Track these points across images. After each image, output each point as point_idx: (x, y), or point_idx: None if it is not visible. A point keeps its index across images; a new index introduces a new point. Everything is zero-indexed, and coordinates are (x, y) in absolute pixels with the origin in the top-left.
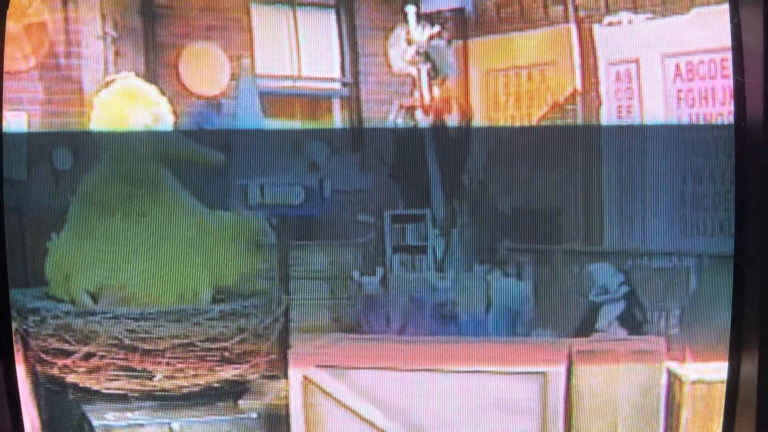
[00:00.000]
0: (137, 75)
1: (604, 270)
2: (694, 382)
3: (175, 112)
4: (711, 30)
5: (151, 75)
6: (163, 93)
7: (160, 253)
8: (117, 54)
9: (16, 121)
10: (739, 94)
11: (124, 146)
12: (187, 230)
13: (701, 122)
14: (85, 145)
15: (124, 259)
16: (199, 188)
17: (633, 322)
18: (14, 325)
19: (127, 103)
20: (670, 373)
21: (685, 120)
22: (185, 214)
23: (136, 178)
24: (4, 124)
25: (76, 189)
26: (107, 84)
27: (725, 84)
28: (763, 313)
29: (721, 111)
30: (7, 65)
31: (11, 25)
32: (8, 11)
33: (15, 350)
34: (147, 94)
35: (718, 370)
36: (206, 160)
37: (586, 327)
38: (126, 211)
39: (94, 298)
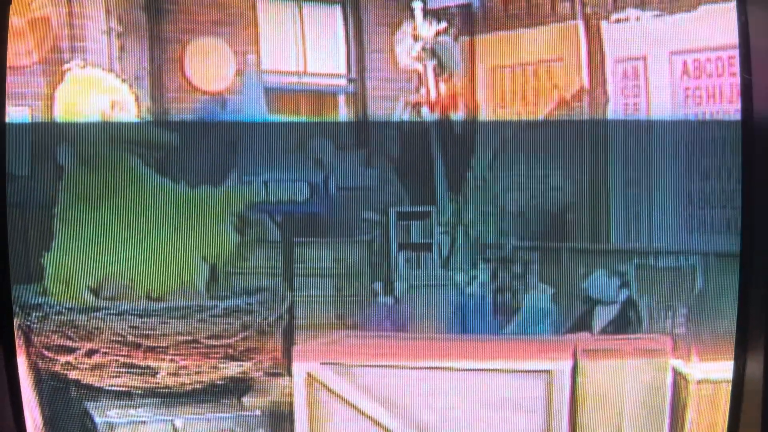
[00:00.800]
0: (90, 64)
1: (602, 280)
2: (699, 382)
3: (137, 101)
4: (718, 27)
5: (154, 70)
6: (124, 80)
7: (149, 239)
8: (122, 49)
9: (20, 116)
10: (747, 91)
11: (87, 137)
12: (166, 212)
13: (708, 120)
14: (53, 138)
15: (117, 249)
16: (171, 168)
17: (632, 325)
18: (17, 321)
19: (82, 92)
20: (675, 372)
21: (692, 117)
22: (161, 196)
23: (107, 168)
24: (8, 118)
25: (58, 190)
26: (62, 74)
27: (733, 81)
28: None
29: (728, 109)
30: (11, 60)
31: (15, 20)
32: (13, 5)
33: (17, 346)
34: (103, 81)
35: (723, 369)
36: (161, 141)
37: (585, 327)
38: (108, 202)
39: (96, 293)
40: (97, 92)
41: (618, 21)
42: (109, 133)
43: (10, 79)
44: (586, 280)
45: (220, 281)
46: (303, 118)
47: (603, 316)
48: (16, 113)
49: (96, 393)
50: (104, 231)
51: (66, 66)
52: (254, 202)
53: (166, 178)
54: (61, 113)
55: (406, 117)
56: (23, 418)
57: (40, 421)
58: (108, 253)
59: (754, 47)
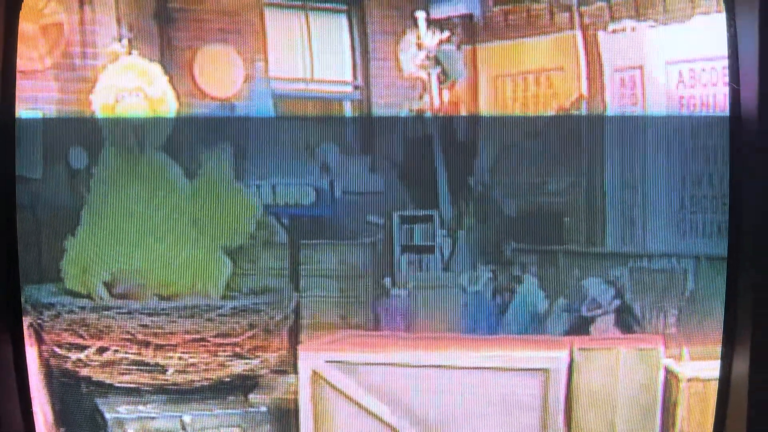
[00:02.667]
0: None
1: (597, 284)
2: (690, 380)
3: (179, 98)
4: (712, 38)
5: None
6: (165, 72)
7: (168, 236)
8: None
9: (32, 120)
10: (735, 101)
11: (122, 132)
12: (185, 209)
13: (701, 128)
14: (91, 135)
15: (138, 244)
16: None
17: (626, 326)
18: (29, 320)
19: (123, 75)
20: (667, 370)
21: (686, 125)
22: (181, 193)
23: (135, 163)
24: (19, 122)
25: (89, 181)
26: (115, 57)
27: (726, 91)
28: (756, 312)
29: (721, 117)
30: (24, 65)
31: (28, 26)
32: (24, 11)
33: (29, 344)
34: (148, 69)
35: (713, 368)
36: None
37: (582, 330)
38: (134, 196)
39: (109, 288)
40: (137, 77)
41: (614, 31)
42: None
43: (23, 83)
44: (581, 295)
45: (231, 283)
46: (309, 124)
47: (598, 323)
48: (27, 114)
49: (106, 389)
50: (128, 224)
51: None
52: (263, 206)
53: (184, 178)
54: (99, 96)
55: (409, 123)
56: (31, 414)
57: (51, 416)
58: (126, 246)
59: (742, 58)
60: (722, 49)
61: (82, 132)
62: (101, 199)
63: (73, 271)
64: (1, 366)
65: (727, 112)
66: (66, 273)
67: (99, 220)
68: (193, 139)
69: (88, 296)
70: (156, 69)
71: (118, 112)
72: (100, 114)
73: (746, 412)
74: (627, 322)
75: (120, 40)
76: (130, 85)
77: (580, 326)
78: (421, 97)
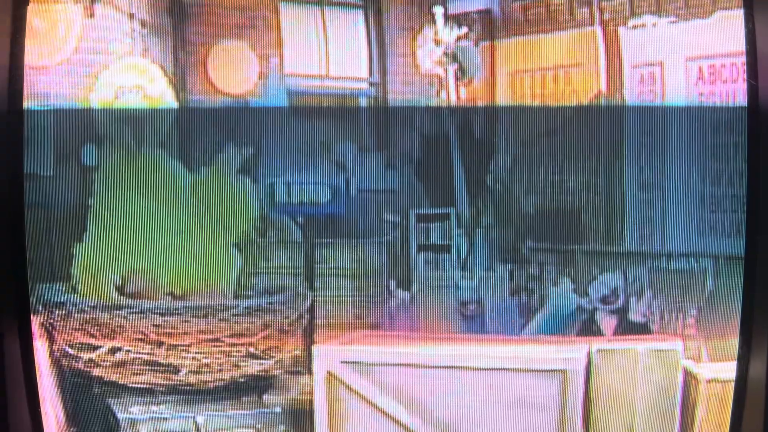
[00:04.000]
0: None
1: (612, 279)
2: (709, 381)
3: (178, 97)
4: (732, 34)
5: (179, 72)
6: (165, 74)
7: (174, 232)
8: (145, 51)
9: (43, 116)
10: (753, 97)
11: (122, 129)
12: (193, 207)
13: (721, 125)
14: (97, 131)
15: (146, 242)
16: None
17: (643, 326)
18: (40, 319)
19: (124, 73)
20: (686, 371)
21: (705, 122)
22: (185, 190)
23: (138, 161)
24: (32, 117)
25: (94, 181)
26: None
27: (745, 87)
28: None
29: (739, 114)
30: (35, 60)
31: (40, 21)
32: (36, 7)
33: (41, 344)
34: (148, 69)
35: (732, 369)
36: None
37: (597, 330)
38: (140, 195)
39: (121, 289)
40: (137, 76)
41: (635, 27)
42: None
43: (35, 78)
44: (595, 285)
45: (242, 280)
46: (325, 121)
47: (612, 320)
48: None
49: (119, 390)
50: (135, 225)
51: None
52: (276, 204)
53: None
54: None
55: (426, 120)
56: (39, 414)
57: (63, 416)
58: (135, 245)
59: (760, 54)
60: (742, 44)
61: (93, 128)
62: (105, 199)
63: (84, 278)
64: (10, 365)
65: (745, 109)
66: (77, 280)
67: (104, 221)
68: (203, 136)
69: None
70: (156, 69)
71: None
72: (97, 106)
73: (763, 412)
74: (644, 321)
75: (132, 36)
76: (130, 83)
77: (597, 325)
78: (438, 94)
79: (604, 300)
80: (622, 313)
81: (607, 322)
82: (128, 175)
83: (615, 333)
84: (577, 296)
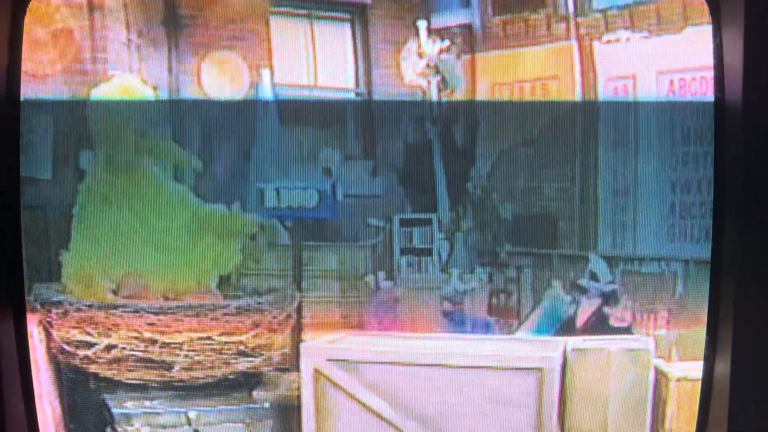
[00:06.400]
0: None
1: (600, 263)
2: (679, 380)
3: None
4: (702, 48)
5: (173, 81)
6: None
7: (160, 243)
8: (141, 61)
9: (42, 122)
10: (719, 110)
11: (114, 136)
12: (178, 222)
13: (690, 136)
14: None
15: (133, 249)
16: (191, 182)
17: (615, 322)
18: (38, 317)
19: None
20: (657, 370)
21: (676, 133)
22: (175, 206)
23: (126, 169)
24: (30, 122)
25: (78, 191)
26: (108, 78)
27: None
28: (737, 313)
29: (708, 125)
30: (35, 69)
31: (38, 30)
32: (34, 16)
33: (39, 341)
34: (141, 91)
35: (701, 368)
36: (186, 162)
37: (571, 326)
38: (126, 203)
39: (115, 292)
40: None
41: (609, 42)
42: (134, 136)
43: (34, 86)
44: (573, 271)
45: (232, 282)
46: (313, 130)
47: (578, 312)
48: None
49: (113, 386)
50: (123, 232)
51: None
52: (265, 208)
53: (182, 185)
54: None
55: (410, 129)
56: (34, 408)
57: (59, 411)
58: (123, 252)
59: (727, 68)
60: (711, 59)
61: (86, 134)
62: (91, 207)
63: (77, 287)
64: (6, 361)
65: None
66: (69, 287)
67: (91, 228)
68: (194, 141)
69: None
70: (149, 91)
71: None
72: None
73: (727, 411)
74: (616, 319)
75: (129, 45)
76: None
77: (572, 324)
78: (421, 105)
79: (593, 276)
80: (600, 292)
81: (583, 310)
82: (117, 181)
83: (586, 325)
84: (567, 293)
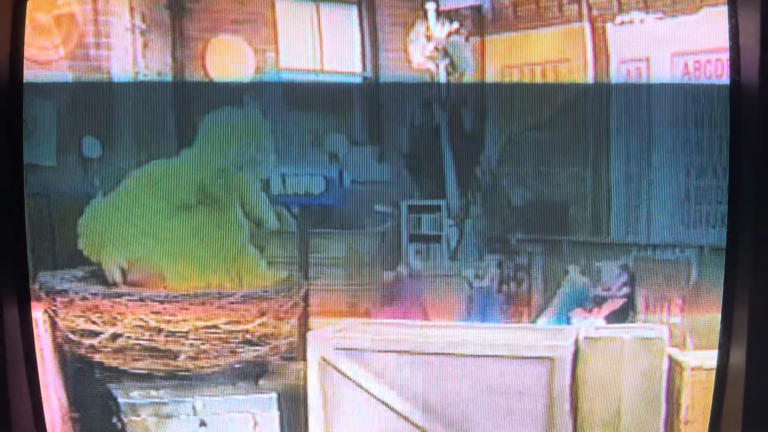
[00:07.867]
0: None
1: (610, 268)
2: (693, 369)
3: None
4: (719, 29)
5: (177, 66)
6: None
7: (180, 226)
8: (145, 46)
9: (46, 108)
10: (735, 93)
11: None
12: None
13: (705, 120)
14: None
15: (152, 233)
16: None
17: (631, 315)
18: (43, 306)
19: None
20: (671, 359)
21: (690, 117)
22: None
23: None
24: (33, 108)
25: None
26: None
27: (729, 82)
28: (753, 301)
29: (723, 109)
30: (38, 55)
31: (42, 16)
32: (37, 1)
33: (44, 330)
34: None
35: (716, 357)
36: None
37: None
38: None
39: (124, 274)
40: None
41: (623, 23)
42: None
43: (37, 72)
44: (586, 276)
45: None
46: (319, 115)
47: (605, 310)
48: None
49: (119, 375)
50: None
51: None
52: (271, 195)
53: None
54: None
55: (418, 114)
56: (40, 398)
57: (65, 401)
58: (143, 234)
59: (743, 49)
60: (726, 40)
61: (96, 121)
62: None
63: (90, 241)
64: (10, 349)
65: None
66: (84, 240)
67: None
68: (199, 127)
69: (103, 282)
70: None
71: None
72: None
73: (742, 400)
74: (633, 310)
75: (133, 30)
76: None
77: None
78: (429, 88)
79: (605, 287)
80: (614, 297)
81: (602, 306)
82: (128, 169)
83: (605, 318)
84: (587, 283)
